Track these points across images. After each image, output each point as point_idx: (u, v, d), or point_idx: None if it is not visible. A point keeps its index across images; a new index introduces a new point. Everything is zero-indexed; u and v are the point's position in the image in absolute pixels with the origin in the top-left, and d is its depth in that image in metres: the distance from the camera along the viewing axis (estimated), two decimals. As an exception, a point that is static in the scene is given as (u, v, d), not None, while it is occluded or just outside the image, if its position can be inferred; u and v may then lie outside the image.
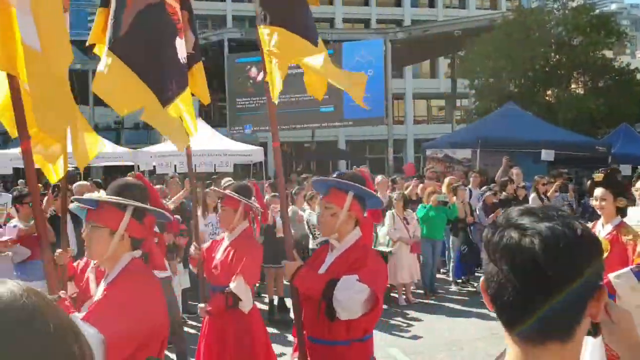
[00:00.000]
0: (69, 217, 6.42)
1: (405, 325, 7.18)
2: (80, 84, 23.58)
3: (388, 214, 8.47)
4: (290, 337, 6.73)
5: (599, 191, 4.57)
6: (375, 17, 37.55)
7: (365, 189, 3.04)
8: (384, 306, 7.79)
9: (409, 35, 23.39)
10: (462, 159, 13.63)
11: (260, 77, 22.11)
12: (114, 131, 31.55)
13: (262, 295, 8.57)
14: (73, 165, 11.78)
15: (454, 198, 9.15)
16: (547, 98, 20.35)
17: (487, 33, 20.29)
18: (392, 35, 23.32)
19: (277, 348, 6.42)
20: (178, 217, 5.80)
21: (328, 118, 22.39)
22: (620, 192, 4.58)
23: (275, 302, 7.88)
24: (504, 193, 9.67)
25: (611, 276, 3.85)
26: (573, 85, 21.03)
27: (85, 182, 7.67)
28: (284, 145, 35.10)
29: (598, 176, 4.71)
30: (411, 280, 8.41)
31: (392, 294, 8.45)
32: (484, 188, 10.10)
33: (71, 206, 6.68)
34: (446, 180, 9.94)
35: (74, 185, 7.24)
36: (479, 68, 20.06)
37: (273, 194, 8.68)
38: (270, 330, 7.13)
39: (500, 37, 19.55)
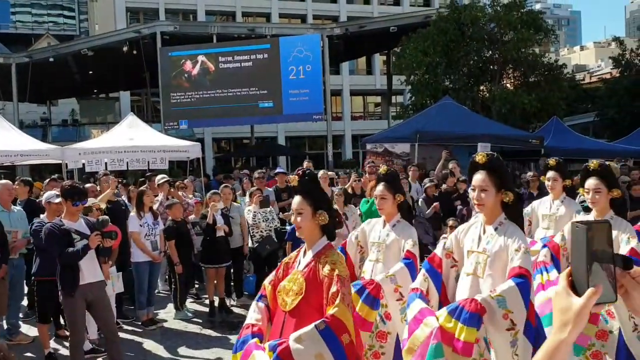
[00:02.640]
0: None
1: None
2: (3, 79, 22.28)
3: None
4: (233, 339, 6.52)
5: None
6: (311, 13, 37.52)
7: None
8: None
9: (346, 31, 23.40)
10: (401, 153, 13.72)
11: (195, 71, 21.60)
12: (40, 128, 30.04)
13: (203, 296, 8.28)
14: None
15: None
16: (480, 93, 20.86)
17: (423, 29, 20.57)
18: (329, 31, 23.26)
19: (218, 352, 6.18)
20: (106, 217, 5.40)
21: (267, 113, 22.11)
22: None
23: (216, 303, 7.62)
24: (444, 186, 9.75)
25: (291, 338, 2.52)
26: (505, 81, 21.65)
27: (7, 181, 7.12)
28: (222, 141, 34.65)
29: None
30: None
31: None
32: (425, 180, 10.14)
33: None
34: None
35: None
36: (415, 64, 20.30)
37: (213, 191, 8.39)
38: (211, 332, 6.89)
39: (435, 33, 19.85)
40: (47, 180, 8.64)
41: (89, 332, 6.01)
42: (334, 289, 2.66)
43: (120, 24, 32.71)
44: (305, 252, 2.96)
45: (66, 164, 12.88)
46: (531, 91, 19.64)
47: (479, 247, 3.19)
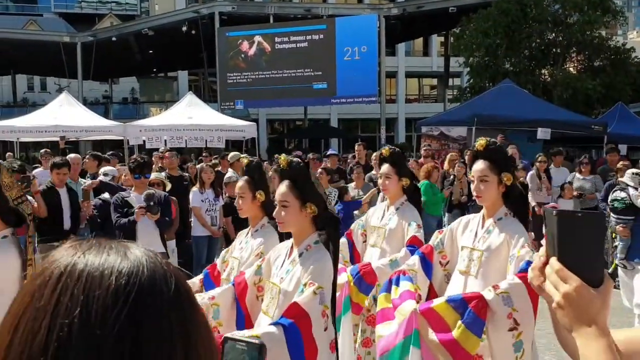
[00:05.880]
0: (65, 190, 6.26)
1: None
2: (69, 57, 23.13)
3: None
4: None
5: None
6: (368, -7, 37.04)
7: None
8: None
9: (403, 12, 23.05)
10: (458, 137, 13.50)
11: (252, 52, 21.81)
12: (102, 105, 31.10)
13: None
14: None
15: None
16: (542, 77, 20.22)
17: (483, 10, 20.04)
18: (386, 11, 22.99)
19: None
20: (151, 191, 5.46)
21: (321, 95, 22.13)
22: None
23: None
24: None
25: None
26: (568, 65, 20.88)
27: (75, 155, 7.46)
28: (275, 122, 34.95)
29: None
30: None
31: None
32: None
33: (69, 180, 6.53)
34: (448, 156, 9.87)
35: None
36: (474, 45, 19.82)
37: (274, 168, 8.52)
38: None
39: (496, 13, 19.31)
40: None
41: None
42: None
43: (179, 3, 33.28)
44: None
45: (128, 140, 13.35)
46: (595, 76, 18.87)
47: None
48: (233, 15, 22.61)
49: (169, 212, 5.84)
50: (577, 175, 9.31)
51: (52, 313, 0.55)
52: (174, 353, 0.59)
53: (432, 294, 3.08)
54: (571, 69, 20.80)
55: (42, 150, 8.89)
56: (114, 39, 23.21)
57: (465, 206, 9.21)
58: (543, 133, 12.32)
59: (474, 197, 9.33)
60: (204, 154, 11.14)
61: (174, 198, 6.21)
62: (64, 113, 13.15)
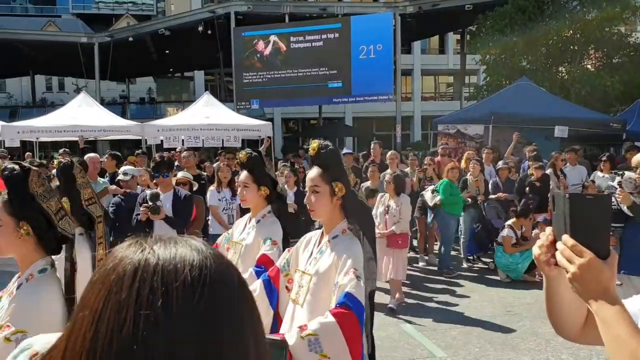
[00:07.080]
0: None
1: (417, 303, 7.09)
2: (86, 58, 23.39)
3: (378, 197, 7.39)
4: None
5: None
6: (383, -9, 36.94)
7: None
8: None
9: (419, 9, 22.95)
10: (474, 135, 13.42)
11: (267, 51, 21.86)
12: (119, 105, 31.40)
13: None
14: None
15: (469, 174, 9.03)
16: (559, 75, 20.03)
17: (500, 7, 19.90)
18: (401, 9, 22.90)
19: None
20: (155, 190, 5.47)
21: (336, 93, 22.12)
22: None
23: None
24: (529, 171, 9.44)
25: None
26: (586, 62, 20.65)
27: (94, 154, 7.55)
28: (290, 121, 34.99)
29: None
30: (386, 279, 6.83)
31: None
32: (499, 163, 9.88)
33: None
34: (465, 154, 9.81)
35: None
36: (491, 43, 19.70)
37: (284, 164, 8.57)
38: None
39: (513, 11, 19.17)
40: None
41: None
42: None
43: (195, 3, 33.48)
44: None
45: (145, 140, 13.47)
46: (614, 73, 18.65)
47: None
48: (249, 14, 22.69)
49: (187, 211, 5.88)
50: (599, 173, 9.02)
51: (134, 305, 0.59)
52: (246, 336, 0.63)
53: (280, 324, 2.59)
54: (589, 66, 20.58)
55: (60, 150, 9.00)
56: (130, 39, 23.40)
57: (481, 205, 9.16)
58: (560, 131, 12.23)
59: (490, 196, 9.04)
60: (220, 153, 11.23)
61: (199, 197, 6.23)
62: (82, 113, 13.30)
